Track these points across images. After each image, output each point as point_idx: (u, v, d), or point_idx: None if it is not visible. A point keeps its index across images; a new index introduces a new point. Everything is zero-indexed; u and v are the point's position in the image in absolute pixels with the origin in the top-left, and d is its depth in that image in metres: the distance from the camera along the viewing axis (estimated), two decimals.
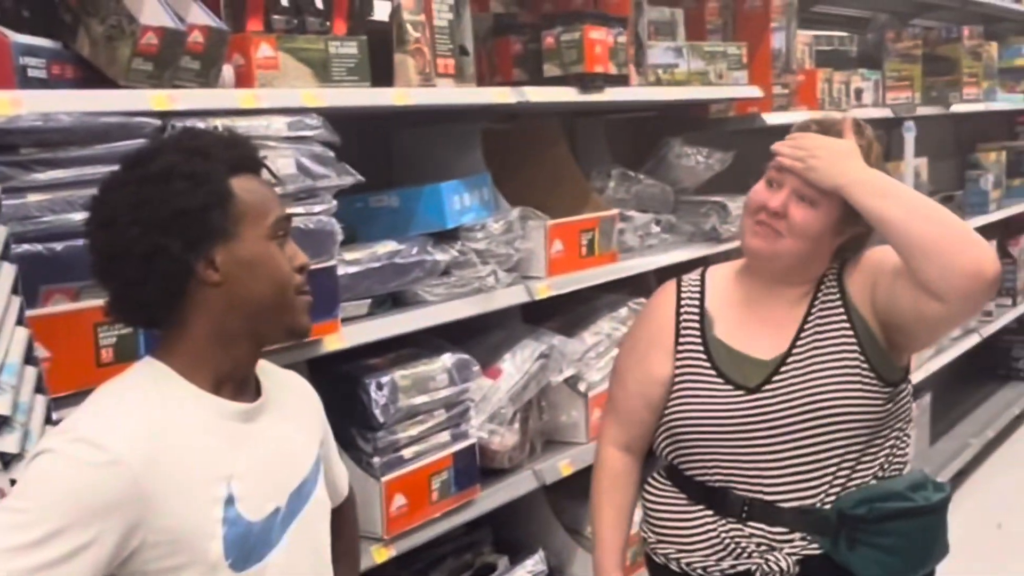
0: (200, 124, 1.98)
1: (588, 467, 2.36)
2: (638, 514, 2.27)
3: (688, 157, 3.68)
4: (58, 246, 1.79)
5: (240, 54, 2.21)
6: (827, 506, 2.04)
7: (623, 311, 3.29)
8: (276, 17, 2.29)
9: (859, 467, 2.06)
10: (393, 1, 2.53)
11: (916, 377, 4.96)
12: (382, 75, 2.49)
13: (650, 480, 2.24)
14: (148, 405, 1.51)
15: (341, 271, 2.35)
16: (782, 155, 2.05)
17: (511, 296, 2.82)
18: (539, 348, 2.93)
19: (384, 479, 2.47)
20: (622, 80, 3.11)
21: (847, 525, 2.02)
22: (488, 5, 3.15)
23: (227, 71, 2.17)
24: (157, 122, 1.93)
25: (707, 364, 2.11)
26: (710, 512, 2.10)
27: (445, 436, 2.65)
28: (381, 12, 2.67)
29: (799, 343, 2.09)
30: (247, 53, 2.20)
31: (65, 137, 1.82)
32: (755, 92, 3.69)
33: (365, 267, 2.44)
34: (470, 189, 2.74)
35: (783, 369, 2.07)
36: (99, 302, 1.63)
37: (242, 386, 1.63)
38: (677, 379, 2.13)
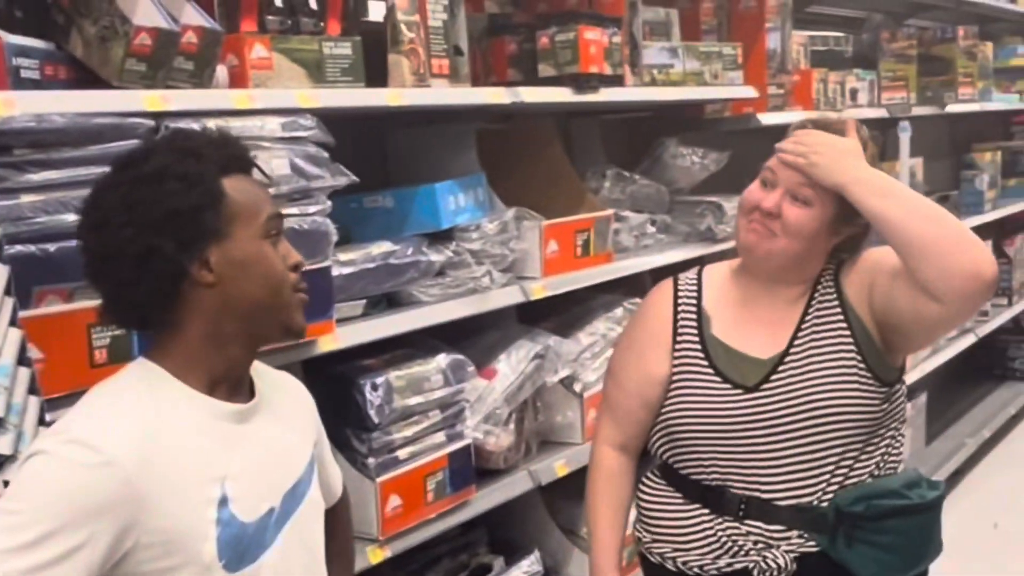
0: (194, 125, 1.98)
1: (584, 468, 2.35)
2: (632, 514, 2.27)
3: (683, 157, 3.68)
4: (51, 247, 1.78)
5: (234, 55, 2.20)
6: (824, 504, 2.04)
7: (619, 311, 3.29)
8: (270, 18, 2.28)
9: (856, 465, 2.06)
10: (387, 1, 2.52)
11: (912, 377, 4.97)
12: (376, 75, 2.49)
13: (644, 480, 2.24)
14: (142, 406, 1.51)
15: (336, 272, 2.34)
16: (784, 151, 2.05)
17: (506, 296, 2.81)
18: (534, 348, 2.93)
19: (379, 480, 2.46)
20: (617, 80, 3.11)
21: (845, 523, 2.03)
22: (483, 5, 3.15)
23: (221, 72, 2.17)
24: (151, 123, 1.93)
25: (705, 363, 2.12)
26: (706, 511, 2.10)
27: (440, 437, 2.64)
28: (375, 13, 2.66)
29: (796, 342, 2.09)
30: (241, 54, 2.20)
31: (58, 138, 1.81)
32: (750, 92, 3.69)
33: (360, 268, 2.44)
34: (465, 189, 2.74)
35: (781, 368, 2.07)
36: (93, 303, 1.63)
37: (236, 387, 1.63)
38: (675, 378, 2.13)
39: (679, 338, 2.16)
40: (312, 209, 2.24)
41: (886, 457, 2.10)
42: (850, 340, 2.07)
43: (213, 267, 1.53)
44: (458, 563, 3.01)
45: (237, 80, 2.20)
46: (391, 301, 2.60)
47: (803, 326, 2.10)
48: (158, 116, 1.96)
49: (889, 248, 2.01)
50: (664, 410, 2.14)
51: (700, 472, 2.11)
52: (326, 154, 2.27)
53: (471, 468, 2.72)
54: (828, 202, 2.03)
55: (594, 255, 3.13)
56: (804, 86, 4.22)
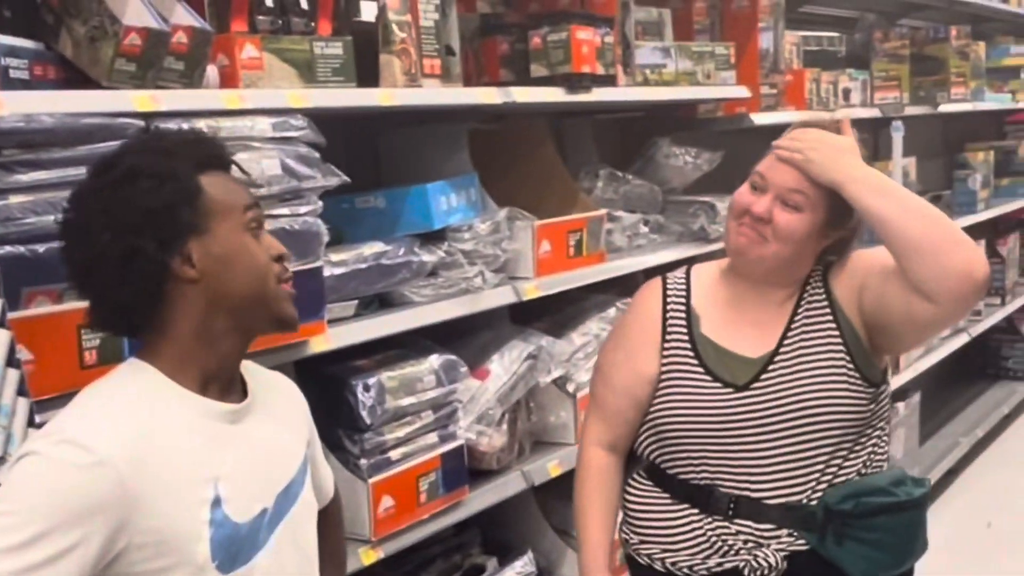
0: (184, 125, 1.98)
1: None
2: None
3: (676, 157, 3.68)
4: (40, 248, 1.77)
5: (224, 55, 2.20)
6: (813, 502, 2.05)
7: (611, 311, 3.29)
8: (261, 18, 2.28)
9: (845, 464, 2.07)
10: (378, 1, 2.52)
11: (905, 376, 4.98)
12: (368, 76, 2.49)
13: (631, 481, 2.24)
14: (133, 406, 1.51)
15: (327, 272, 2.34)
16: (781, 148, 2.06)
17: (499, 297, 2.81)
18: (527, 349, 2.93)
19: (371, 481, 2.46)
20: (609, 80, 3.10)
21: (834, 521, 2.03)
22: (474, 5, 3.14)
23: (211, 72, 2.16)
24: (140, 123, 1.92)
25: (695, 361, 2.12)
26: (695, 511, 2.11)
27: (433, 437, 2.64)
28: (367, 12, 2.66)
29: (786, 342, 2.10)
30: (232, 54, 2.19)
31: (47, 138, 1.81)
32: (743, 92, 3.69)
33: (351, 268, 2.44)
34: (457, 190, 2.73)
35: (771, 367, 2.08)
36: (82, 304, 1.62)
37: (228, 387, 1.62)
38: (664, 376, 2.13)
39: (668, 337, 2.15)
40: (303, 209, 2.24)
41: (872, 456, 2.11)
42: (839, 341, 2.08)
43: (195, 263, 1.53)
44: (451, 564, 3.00)
45: (228, 80, 2.20)
46: (383, 302, 2.60)
47: (792, 326, 2.11)
48: (148, 116, 1.95)
49: (879, 250, 2.03)
50: (653, 409, 2.14)
51: (689, 472, 2.11)
52: (317, 154, 2.27)
53: (464, 469, 2.71)
54: (818, 207, 2.04)
55: (587, 255, 3.13)
56: (797, 86, 4.22)
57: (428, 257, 2.61)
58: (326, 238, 2.29)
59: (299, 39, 2.31)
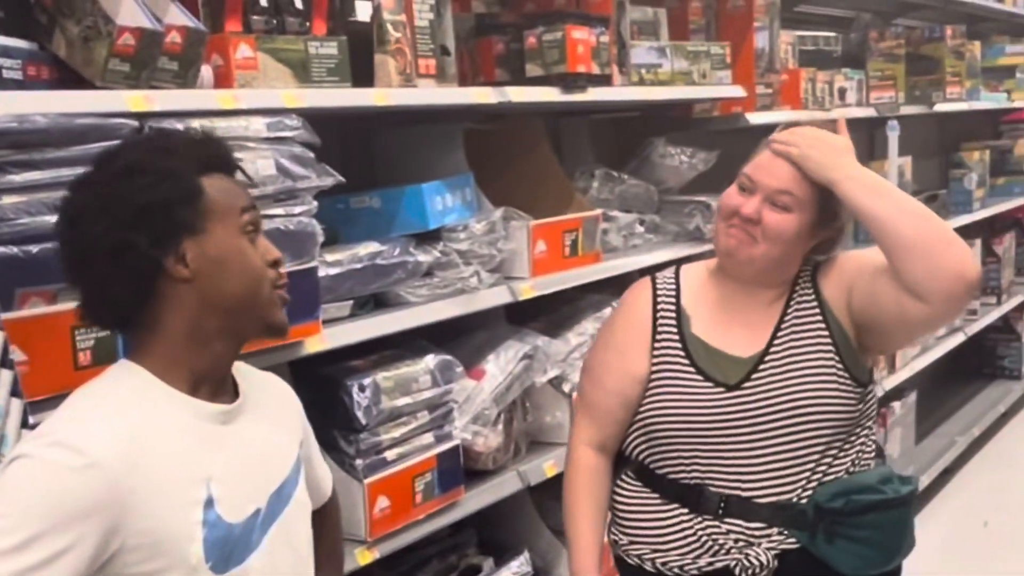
0: (178, 125, 1.97)
1: None
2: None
3: (672, 157, 3.68)
4: (34, 248, 1.77)
5: (219, 55, 2.19)
6: (803, 501, 2.06)
7: (607, 311, 3.28)
8: (255, 17, 2.27)
9: (835, 463, 2.08)
10: (373, 1, 2.52)
11: (902, 376, 4.99)
12: (363, 75, 2.48)
13: (619, 481, 2.23)
14: (125, 408, 1.50)
15: (322, 272, 2.34)
16: (777, 143, 2.07)
17: (494, 297, 2.81)
18: (523, 349, 2.93)
19: (367, 481, 2.46)
20: (605, 80, 3.10)
21: (824, 519, 2.04)
22: (470, 5, 3.14)
23: (206, 72, 2.16)
24: (134, 123, 1.92)
25: (686, 361, 2.12)
26: (685, 510, 2.11)
27: (428, 438, 2.64)
28: (362, 12, 2.65)
29: (776, 342, 2.10)
30: (226, 54, 2.19)
31: (41, 138, 1.80)
32: (738, 92, 3.69)
33: (347, 268, 2.44)
34: (452, 190, 2.73)
35: (761, 367, 2.08)
36: (76, 305, 1.61)
37: (219, 387, 1.62)
38: (654, 376, 2.13)
39: (659, 337, 2.16)
40: (298, 210, 2.23)
41: (860, 455, 2.13)
42: (828, 341, 2.09)
43: (189, 262, 1.53)
44: (447, 564, 3.00)
45: (222, 80, 2.19)
46: (378, 302, 2.59)
47: (782, 326, 2.12)
48: (142, 117, 1.95)
49: (868, 251, 2.06)
50: (643, 409, 2.14)
51: (679, 471, 2.12)
52: (312, 154, 2.26)
53: (460, 469, 2.71)
54: (806, 207, 2.05)
55: (582, 255, 3.12)
56: (792, 85, 4.22)
57: (424, 257, 2.61)
58: (321, 238, 2.29)
59: (294, 39, 2.30)
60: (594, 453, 2.22)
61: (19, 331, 1.73)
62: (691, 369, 2.11)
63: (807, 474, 2.06)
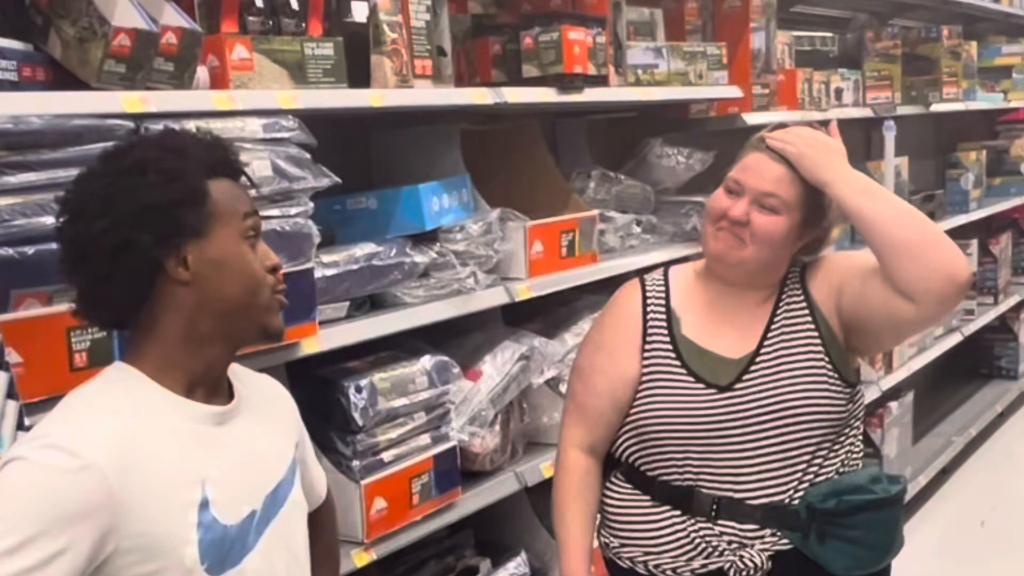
0: (174, 126, 1.97)
1: None
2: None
3: (668, 157, 3.68)
4: (30, 250, 1.77)
5: (215, 55, 2.19)
6: (795, 502, 2.06)
7: None
8: (251, 18, 2.27)
9: (825, 464, 2.10)
10: (370, 2, 2.51)
11: (899, 376, 4.99)
12: (359, 76, 2.48)
13: (610, 483, 2.23)
14: (119, 410, 1.50)
15: (319, 273, 2.33)
16: (775, 140, 2.09)
17: (491, 298, 2.81)
18: (520, 350, 2.92)
19: (364, 482, 2.45)
20: (601, 81, 3.10)
21: (817, 519, 2.05)
22: (466, 6, 3.14)
23: (202, 73, 2.15)
24: (130, 124, 1.92)
25: (677, 363, 2.12)
26: (678, 512, 2.11)
27: (425, 439, 2.64)
28: (358, 13, 2.65)
29: (766, 343, 2.11)
30: (222, 55, 2.19)
31: (36, 140, 1.80)
32: (735, 92, 3.70)
33: (343, 269, 2.43)
34: (449, 190, 2.73)
35: (752, 368, 2.09)
36: (72, 306, 1.61)
37: (214, 389, 1.62)
38: (645, 378, 2.13)
39: (649, 338, 2.16)
40: (294, 211, 2.23)
41: (850, 455, 2.14)
42: (818, 341, 2.11)
43: (190, 265, 1.53)
44: (444, 565, 3.00)
45: (218, 81, 2.19)
46: (375, 303, 2.59)
47: (772, 327, 2.13)
48: (137, 118, 1.94)
49: (856, 252, 2.09)
50: (634, 411, 2.14)
51: (671, 473, 2.12)
52: (308, 155, 2.26)
53: (456, 470, 2.71)
54: (793, 209, 2.07)
55: (579, 256, 3.12)
56: (789, 86, 4.22)
57: (420, 258, 2.61)
58: (317, 239, 2.29)
59: (290, 40, 2.30)
60: (584, 455, 2.21)
61: (15, 333, 1.73)
62: (682, 371, 2.11)
63: (799, 475, 2.07)
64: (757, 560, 2.05)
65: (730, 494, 2.07)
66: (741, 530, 2.07)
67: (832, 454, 2.10)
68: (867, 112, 4.88)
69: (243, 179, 1.65)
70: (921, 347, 5.31)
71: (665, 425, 2.10)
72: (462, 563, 3.03)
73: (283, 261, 1.86)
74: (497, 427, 2.88)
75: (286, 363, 2.28)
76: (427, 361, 2.65)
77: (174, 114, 2.01)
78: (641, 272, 2.34)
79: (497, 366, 2.87)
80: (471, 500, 2.77)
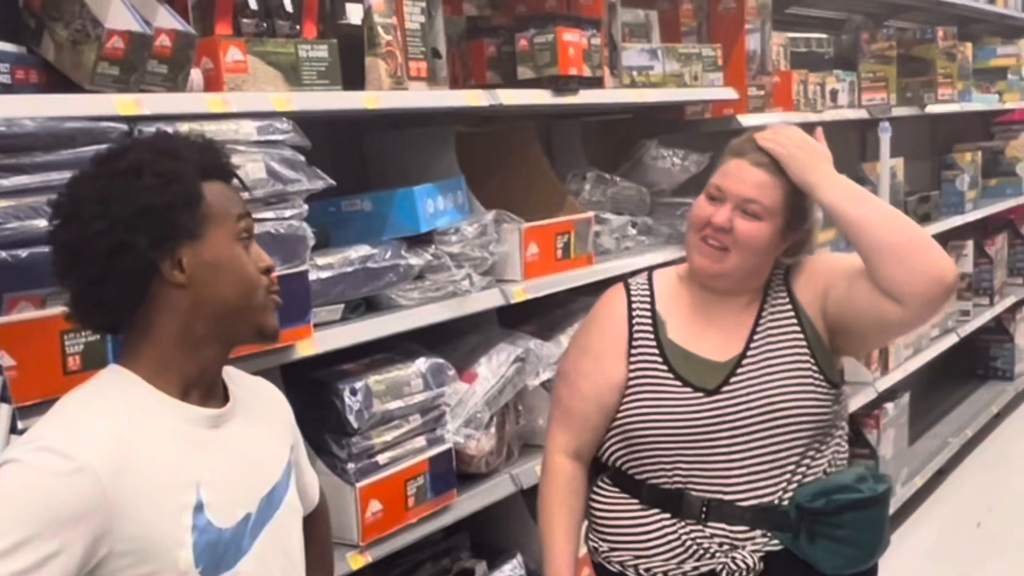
0: (168, 129, 1.96)
1: None
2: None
3: (664, 159, 3.68)
4: (23, 253, 1.76)
5: (209, 58, 2.19)
6: (784, 503, 2.07)
7: None
8: (245, 20, 2.27)
9: (813, 464, 2.11)
10: (364, 4, 2.51)
11: (895, 377, 4.99)
12: (354, 78, 2.48)
13: (597, 488, 2.23)
14: (114, 412, 1.50)
15: (313, 276, 2.33)
16: (766, 139, 2.10)
17: (486, 300, 2.80)
18: (515, 352, 2.92)
19: (359, 485, 2.45)
20: (596, 82, 3.10)
21: (806, 519, 2.06)
22: (461, 8, 3.14)
23: (196, 75, 2.15)
24: (123, 127, 1.91)
25: (664, 367, 2.13)
26: (667, 515, 2.11)
27: (421, 441, 2.63)
28: (352, 15, 2.65)
29: (752, 345, 2.12)
30: (216, 57, 2.18)
31: (29, 142, 1.80)
32: (730, 94, 3.70)
33: (338, 272, 2.43)
34: (444, 192, 2.73)
35: (739, 371, 2.10)
36: (66, 309, 1.61)
37: (209, 392, 1.61)
38: (632, 382, 2.14)
39: (635, 342, 2.16)
40: (288, 213, 2.23)
41: (836, 455, 2.16)
42: (803, 343, 2.12)
43: (185, 267, 1.53)
44: (440, 568, 2.99)
45: (212, 83, 2.18)
46: (370, 305, 2.59)
47: (758, 330, 2.14)
48: (131, 120, 1.94)
49: (840, 254, 2.12)
50: (622, 415, 2.14)
51: (660, 476, 2.12)
52: (302, 158, 2.26)
53: (452, 472, 2.71)
54: (776, 214, 2.09)
55: (575, 257, 3.12)
56: (784, 87, 4.22)
57: (415, 260, 2.61)
58: (311, 242, 2.29)
59: (284, 42, 2.30)
60: (570, 461, 2.21)
61: (8, 336, 1.73)
62: (669, 375, 2.12)
63: (787, 475, 2.08)
64: (749, 561, 2.05)
65: (720, 496, 2.08)
66: (732, 532, 2.07)
67: (819, 455, 2.11)
68: (862, 113, 4.88)
69: (235, 181, 1.65)
70: (917, 348, 5.32)
71: (653, 429, 2.10)
72: (458, 565, 3.03)
73: (277, 263, 1.86)
74: (492, 429, 2.88)
75: (281, 366, 2.27)
76: (422, 363, 2.65)
77: (168, 117, 2.01)
78: (636, 274, 2.34)
79: (492, 368, 2.87)
80: (467, 502, 2.77)
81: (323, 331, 2.37)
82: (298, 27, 2.36)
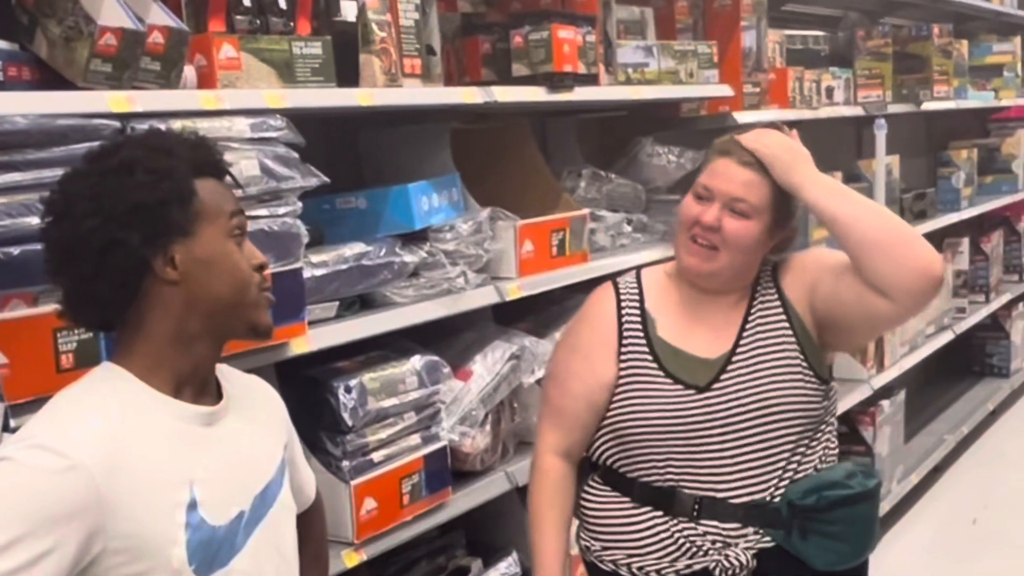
0: (161, 126, 1.96)
1: None
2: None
3: (659, 156, 3.68)
4: (15, 250, 1.76)
5: (202, 55, 2.18)
6: (776, 499, 2.08)
7: None
8: (239, 17, 2.26)
9: (804, 461, 2.12)
10: (358, 1, 2.51)
11: (890, 374, 4.99)
12: (348, 75, 2.47)
13: (587, 487, 2.23)
14: (107, 410, 1.49)
15: (308, 273, 2.33)
16: (749, 140, 2.11)
17: (481, 297, 2.80)
18: (510, 349, 2.92)
19: (354, 483, 2.44)
20: (591, 79, 3.10)
21: (798, 516, 2.07)
22: (456, 4, 3.13)
23: (189, 72, 2.15)
24: (116, 124, 1.91)
25: (654, 365, 2.13)
26: (659, 513, 2.12)
27: (415, 439, 2.63)
28: (347, 12, 2.64)
29: (742, 342, 2.13)
30: (209, 54, 2.18)
31: (22, 140, 1.79)
32: (726, 91, 3.70)
33: (332, 269, 2.43)
34: (439, 190, 2.73)
35: (729, 368, 2.11)
36: (58, 307, 1.60)
37: (203, 389, 1.61)
38: (623, 381, 2.14)
39: (625, 340, 2.16)
40: (282, 211, 2.22)
41: (826, 451, 2.16)
42: (792, 339, 2.13)
43: (178, 264, 1.53)
44: (435, 566, 2.99)
45: (205, 80, 2.18)
46: (365, 302, 2.58)
47: (747, 326, 2.14)
48: (124, 117, 1.93)
49: (827, 249, 2.14)
50: (612, 414, 2.14)
51: (652, 474, 2.12)
52: (296, 155, 2.25)
53: (447, 470, 2.70)
54: (763, 212, 2.10)
55: (570, 255, 3.12)
56: (780, 84, 4.22)
57: (410, 258, 2.60)
58: (306, 239, 2.28)
59: (278, 39, 2.29)
60: (560, 460, 2.21)
61: (0, 333, 1.72)
62: (660, 372, 2.12)
63: (779, 472, 2.09)
64: (743, 558, 2.06)
65: (712, 494, 2.08)
66: (724, 529, 2.08)
67: (810, 451, 2.12)
68: (858, 111, 4.88)
69: (228, 178, 1.65)
70: (913, 345, 5.32)
71: (644, 427, 2.10)
72: (453, 563, 3.03)
73: (271, 261, 1.85)
74: (488, 427, 2.88)
75: (275, 363, 2.27)
76: (417, 361, 2.65)
77: (161, 114, 2.00)
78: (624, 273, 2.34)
79: (487, 366, 2.87)
80: (462, 500, 2.77)
81: (317, 328, 2.36)
82: (292, 24, 2.35)
